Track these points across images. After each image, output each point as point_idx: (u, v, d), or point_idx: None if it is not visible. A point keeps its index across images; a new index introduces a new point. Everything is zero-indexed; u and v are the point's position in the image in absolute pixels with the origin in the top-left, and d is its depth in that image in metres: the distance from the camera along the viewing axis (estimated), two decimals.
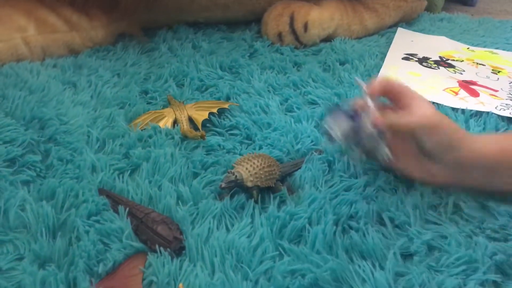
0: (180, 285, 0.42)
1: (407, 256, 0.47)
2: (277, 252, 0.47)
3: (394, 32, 1.09)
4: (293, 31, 0.97)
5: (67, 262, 0.45)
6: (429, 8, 1.29)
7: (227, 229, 0.50)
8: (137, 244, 0.47)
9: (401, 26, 1.14)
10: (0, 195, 0.52)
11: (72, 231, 0.48)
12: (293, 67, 0.90)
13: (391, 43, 1.02)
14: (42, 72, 0.77)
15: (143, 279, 0.44)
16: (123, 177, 0.57)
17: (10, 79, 0.73)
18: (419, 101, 0.52)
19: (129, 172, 0.58)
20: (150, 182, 0.56)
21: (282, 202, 0.54)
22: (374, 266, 0.45)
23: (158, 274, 0.44)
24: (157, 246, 0.47)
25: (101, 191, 0.54)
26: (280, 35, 0.98)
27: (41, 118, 0.64)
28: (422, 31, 1.14)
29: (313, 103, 0.77)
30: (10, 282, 0.43)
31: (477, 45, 1.06)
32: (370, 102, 0.52)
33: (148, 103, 0.75)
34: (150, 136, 0.64)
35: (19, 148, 0.59)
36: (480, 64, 0.94)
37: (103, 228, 0.48)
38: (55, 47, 0.85)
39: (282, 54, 0.95)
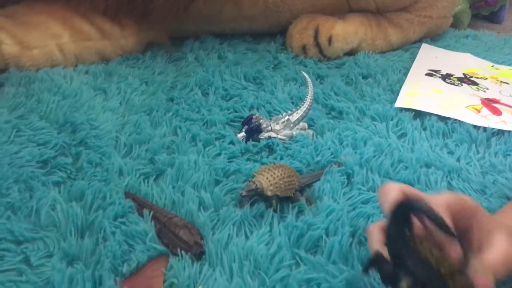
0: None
1: None
2: (294, 261, 0.49)
3: (419, 48, 1.10)
4: (317, 44, 0.99)
5: (94, 261, 0.47)
6: (455, 25, 1.29)
7: (246, 236, 0.52)
8: (160, 247, 0.49)
9: (426, 42, 1.15)
10: (33, 195, 0.55)
11: (99, 231, 0.50)
12: (316, 79, 0.91)
13: (415, 59, 1.02)
14: (75, 78, 0.80)
15: (164, 281, 0.46)
16: (148, 181, 0.59)
17: (45, 84, 0.76)
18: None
19: (154, 177, 0.60)
20: (173, 187, 0.58)
21: (301, 212, 0.56)
22: None
23: (179, 276, 0.46)
24: (178, 250, 0.48)
25: (127, 195, 0.56)
26: (304, 48, 1.00)
27: (73, 122, 0.67)
28: (446, 47, 1.14)
29: (335, 116, 0.78)
30: (40, 278, 0.46)
31: (502, 63, 1.06)
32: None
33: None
34: (174, 142, 0.67)
35: (51, 150, 0.62)
36: (504, 82, 0.94)
37: (128, 230, 0.50)
38: (88, 54, 0.88)
39: (305, 66, 0.97)
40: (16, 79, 0.78)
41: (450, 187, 0.61)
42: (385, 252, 0.39)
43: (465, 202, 0.43)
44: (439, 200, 0.41)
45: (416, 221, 0.38)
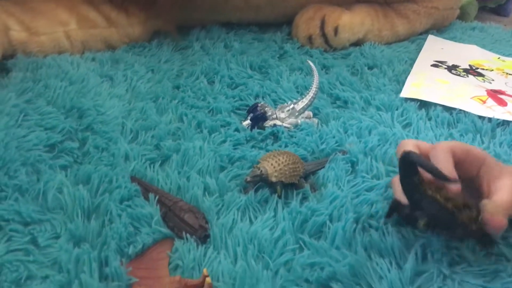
0: (204, 270, 0.45)
1: (424, 257, 0.49)
2: (298, 245, 0.49)
3: (425, 39, 1.09)
4: (323, 35, 0.99)
5: (100, 242, 0.48)
6: (462, 17, 1.29)
7: (251, 221, 0.52)
8: (165, 230, 0.49)
9: (432, 33, 1.14)
10: (40, 178, 0.56)
11: (105, 214, 0.51)
12: (322, 69, 0.92)
13: (421, 50, 1.02)
14: (82, 64, 0.81)
15: (170, 263, 0.47)
16: (154, 167, 0.60)
17: (52, 69, 0.77)
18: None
19: (159, 162, 0.61)
20: (179, 173, 0.58)
21: (305, 198, 0.56)
22: (391, 264, 0.47)
23: (184, 259, 0.47)
24: (183, 233, 0.49)
25: (133, 179, 0.57)
26: (310, 38, 1.00)
27: (80, 108, 0.68)
28: (453, 39, 1.14)
29: (340, 106, 0.78)
30: (47, 258, 0.46)
31: (508, 55, 1.06)
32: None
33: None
34: (179, 129, 0.67)
35: (58, 135, 0.63)
36: (510, 74, 0.93)
37: (134, 212, 0.51)
38: (94, 41, 0.89)
39: (311, 56, 0.97)
40: (23, 64, 0.78)
41: None
42: (404, 199, 0.47)
43: (472, 150, 0.48)
44: (444, 146, 0.47)
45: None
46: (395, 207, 0.50)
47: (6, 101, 0.66)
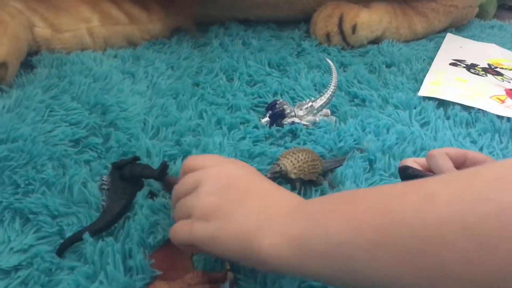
0: (226, 263, 0.46)
1: None
2: None
3: (443, 37, 1.09)
4: (341, 32, 0.99)
5: (123, 234, 0.49)
6: (480, 15, 1.28)
7: None
8: None
9: (451, 32, 1.14)
10: (66, 172, 0.58)
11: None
12: (340, 67, 0.92)
13: (439, 48, 1.02)
14: (105, 61, 0.82)
15: (192, 256, 0.48)
16: (175, 162, 0.61)
17: (76, 66, 0.78)
18: None
19: (181, 158, 0.62)
20: None
21: (323, 195, 0.57)
22: None
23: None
24: None
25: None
26: (328, 36, 1.00)
27: (103, 104, 0.69)
28: (472, 37, 1.13)
29: (358, 104, 0.79)
30: (73, 250, 0.48)
31: None
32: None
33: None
34: (199, 125, 0.69)
35: (83, 130, 0.64)
36: None
37: (154, 204, 0.52)
38: (116, 38, 0.90)
39: (329, 54, 0.97)
40: (48, 61, 0.80)
41: None
42: None
43: (469, 152, 0.50)
44: (437, 150, 0.50)
45: None
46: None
47: (32, 97, 0.68)
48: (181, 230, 0.42)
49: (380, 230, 0.30)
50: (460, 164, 0.49)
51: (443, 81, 0.85)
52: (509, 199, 0.26)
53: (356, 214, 0.32)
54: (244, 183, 0.42)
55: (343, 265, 0.32)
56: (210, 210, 0.40)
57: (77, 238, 0.48)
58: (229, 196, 0.40)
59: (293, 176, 0.56)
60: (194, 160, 0.46)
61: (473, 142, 0.68)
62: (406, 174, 0.49)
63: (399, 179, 0.58)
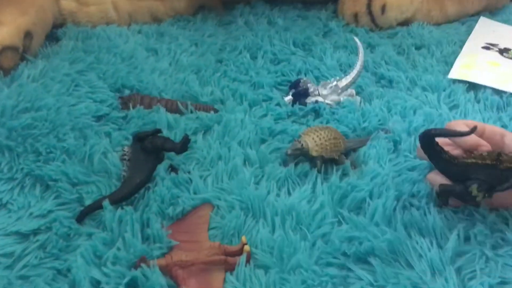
0: (243, 237, 0.45)
1: (466, 238, 0.47)
2: (336, 219, 0.49)
3: (476, 21, 1.05)
4: (370, 13, 0.97)
5: (143, 204, 0.49)
6: None
7: (289, 193, 0.53)
8: (205, 195, 0.50)
9: (484, 16, 1.10)
10: (86, 142, 0.58)
11: None
12: (367, 48, 0.89)
13: (471, 32, 0.98)
14: (130, 38, 0.82)
15: (209, 229, 0.48)
16: (196, 136, 0.61)
17: (103, 42, 0.78)
18: None
19: (202, 132, 0.61)
20: (220, 143, 0.59)
21: (345, 174, 0.56)
22: (431, 243, 0.46)
23: (224, 226, 0.48)
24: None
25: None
26: (356, 16, 0.98)
27: (128, 84, 0.69)
28: (506, 22, 1.09)
29: (384, 85, 0.77)
30: (92, 217, 0.48)
31: None
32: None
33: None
34: (222, 101, 0.68)
35: (108, 107, 0.65)
36: None
37: (176, 178, 0.52)
38: (140, 13, 0.90)
39: (356, 35, 0.94)
40: (73, 33, 0.80)
41: None
42: (447, 180, 0.48)
43: (486, 125, 0.50)
44: (455, 121, 0.51)
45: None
46: (445, 192, 0.48)
47: (59, 69, 0.69)
48: None
49: None
50: (479, 136, 0.48)
51: (474, 64, 0.82)
52: None
53: None
54: None
55: None
56: None
57: (97, 206, 0.48)
58: None
59: (314, 153, 0.55)
60: None
61: (504, 126, 0.66)
62: (425, 137, 0.47)
63: (424, 161, 0.57)
